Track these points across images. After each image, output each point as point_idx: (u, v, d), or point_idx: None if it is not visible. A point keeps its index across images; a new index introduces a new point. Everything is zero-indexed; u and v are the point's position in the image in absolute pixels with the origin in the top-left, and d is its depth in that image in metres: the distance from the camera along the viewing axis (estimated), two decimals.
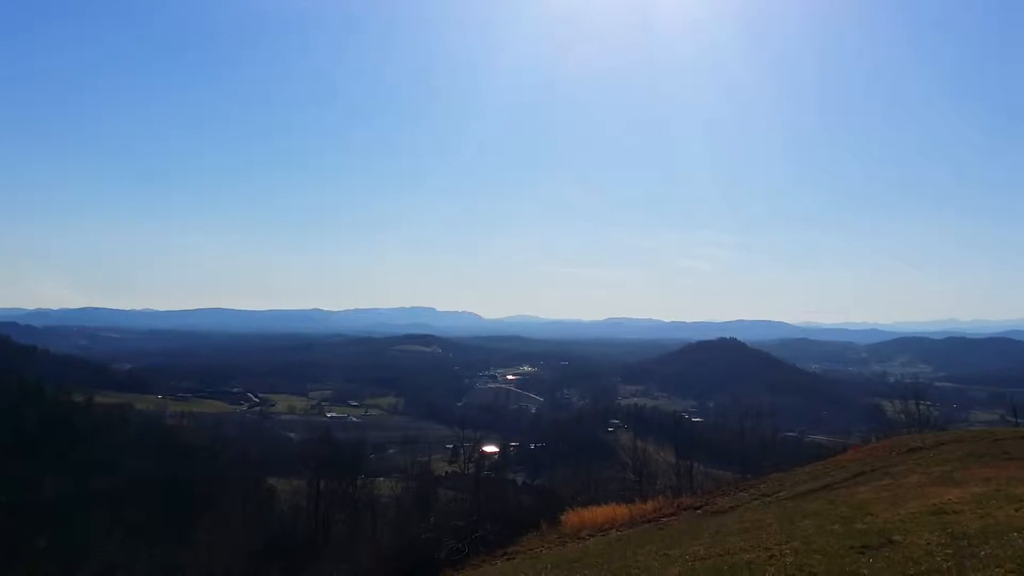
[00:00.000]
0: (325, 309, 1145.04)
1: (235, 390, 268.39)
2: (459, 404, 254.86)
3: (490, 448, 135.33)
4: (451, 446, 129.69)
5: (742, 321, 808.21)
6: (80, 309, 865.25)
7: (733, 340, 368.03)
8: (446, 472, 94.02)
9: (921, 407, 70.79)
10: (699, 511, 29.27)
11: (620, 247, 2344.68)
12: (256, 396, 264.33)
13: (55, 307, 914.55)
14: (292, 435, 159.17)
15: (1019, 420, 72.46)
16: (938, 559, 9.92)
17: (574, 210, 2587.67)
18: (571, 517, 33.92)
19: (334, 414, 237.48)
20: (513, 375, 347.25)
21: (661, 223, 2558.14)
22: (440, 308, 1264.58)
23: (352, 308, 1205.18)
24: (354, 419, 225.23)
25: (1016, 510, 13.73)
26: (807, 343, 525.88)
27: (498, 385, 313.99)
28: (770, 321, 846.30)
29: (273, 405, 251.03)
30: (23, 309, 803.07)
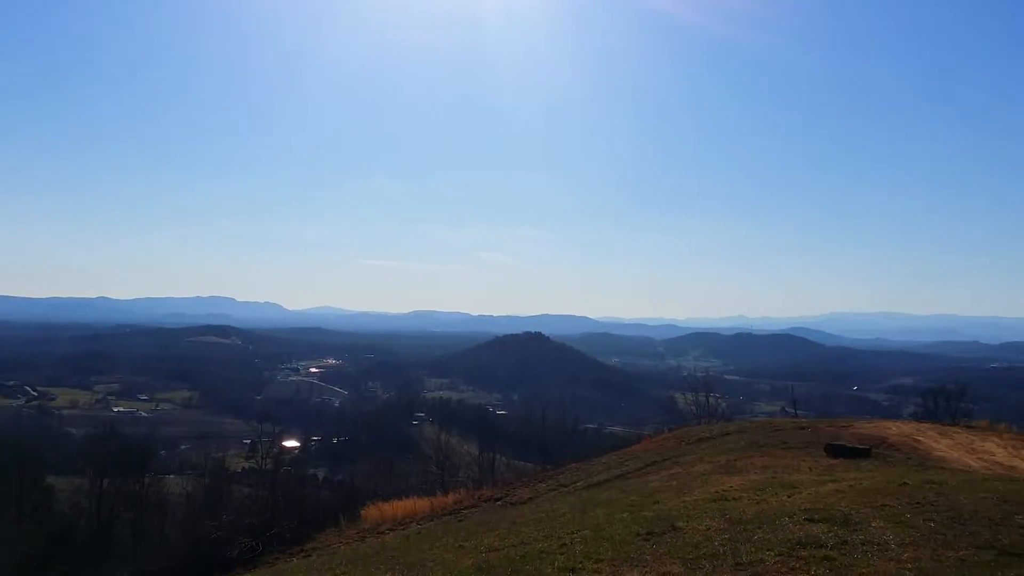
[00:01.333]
0: (112, 297, 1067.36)
1: (10, 383, 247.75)
2: (258, 398, 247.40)
3: (291, 443, 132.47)
4: (249, 441, 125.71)
5: (547, 315, 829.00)
6: None
7: (538, 334, 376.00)
8: (243, 468, 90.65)
9: (711, 399, 74.65)
10: (499, 502, 29.56)
11: (429, 240, 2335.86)
12: (34, 390, 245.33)
13: None
14: (73, 431, 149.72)
15: (798, 411, 78.01)
16: (716, 543, 10.35)
17: (384, 202, 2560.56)
18: (371, 511, 33.46)
19: (121, 409, 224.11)
20: (317, 368, 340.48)
21: (472, 217, 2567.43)
22: (240, 298, 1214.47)
23: (142, 296, 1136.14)
24: (143, 414, 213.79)
25: (788, 496, 14.61)
26: (608, 337, 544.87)
27: (300, 378, 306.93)
28: (574, 316, 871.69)
29: (53, 399, 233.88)
30: None
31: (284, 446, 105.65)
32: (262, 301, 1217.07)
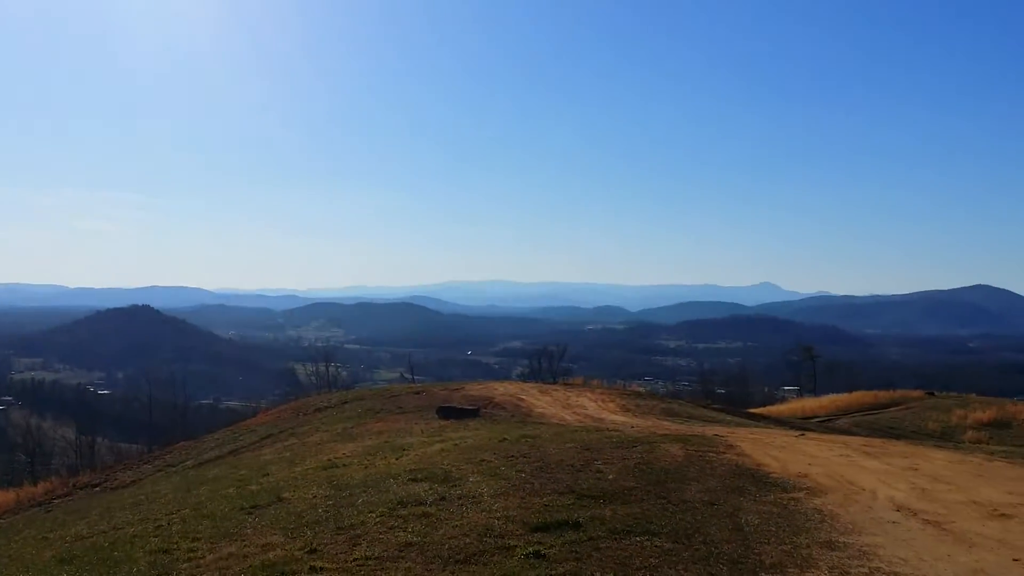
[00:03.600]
0: None
1: None
2: None
3: None
4: None
5: (156, 287, 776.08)
6: None
7: (146, 307, 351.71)
8: None
9: (331, 369, 75.29)
10: (97, 488, 27.36)
11: (12, 205, 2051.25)
12: None
13: None
14: None
15: (415, 377, 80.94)
16: (320, 510, 10.25)
17: None
18: None
19: None
20: None
21: (61, 179, 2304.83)
22: None
23: None
24: None
25: (397, 459, 14.96)
26: (225, 309, 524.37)
27: None
28: (187, 287, 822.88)
29: None
30: None
31: None
32: None
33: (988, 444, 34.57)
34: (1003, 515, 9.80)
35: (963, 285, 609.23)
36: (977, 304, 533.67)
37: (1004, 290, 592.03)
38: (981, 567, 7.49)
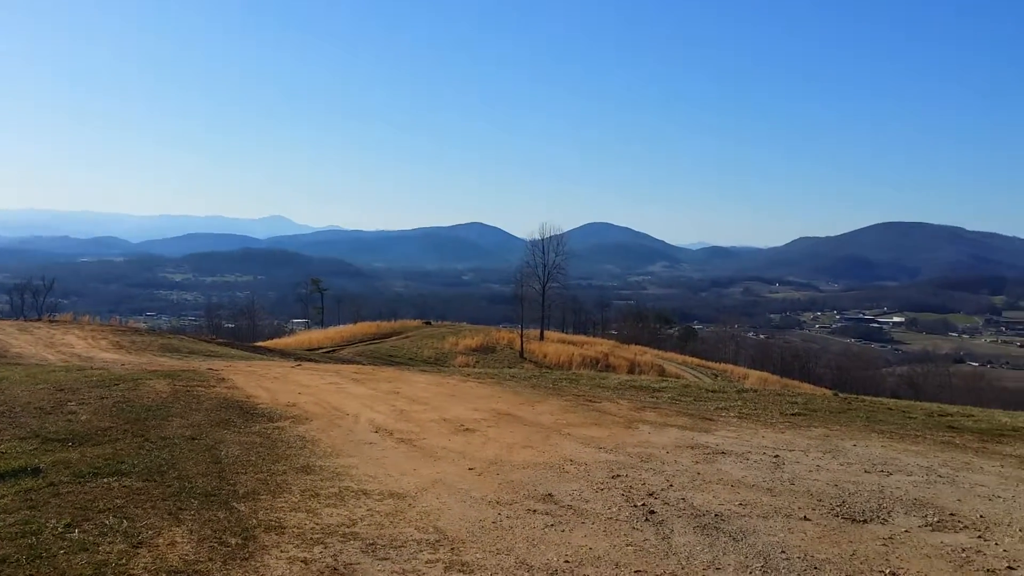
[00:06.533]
0: None
1: None
2: None
3: None
4: None
5: None
6: None
7: None
8: None
9: None
10: None
11: None
12: None
13: None
14: None
15: None
16: None
17: None
18: None
19: None
20: None
21: None
22: None
23: None
24: None
25: None
26: None
27: None
28: None
29: None
30: None
31: None
32: None
33: (475, 368, 38.74)
34: (467, 430, 10.98)
35: (460, 223, 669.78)
36: (472, 240, 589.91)
37: (495, 227, 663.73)
38: (441, 477, 8.29)
